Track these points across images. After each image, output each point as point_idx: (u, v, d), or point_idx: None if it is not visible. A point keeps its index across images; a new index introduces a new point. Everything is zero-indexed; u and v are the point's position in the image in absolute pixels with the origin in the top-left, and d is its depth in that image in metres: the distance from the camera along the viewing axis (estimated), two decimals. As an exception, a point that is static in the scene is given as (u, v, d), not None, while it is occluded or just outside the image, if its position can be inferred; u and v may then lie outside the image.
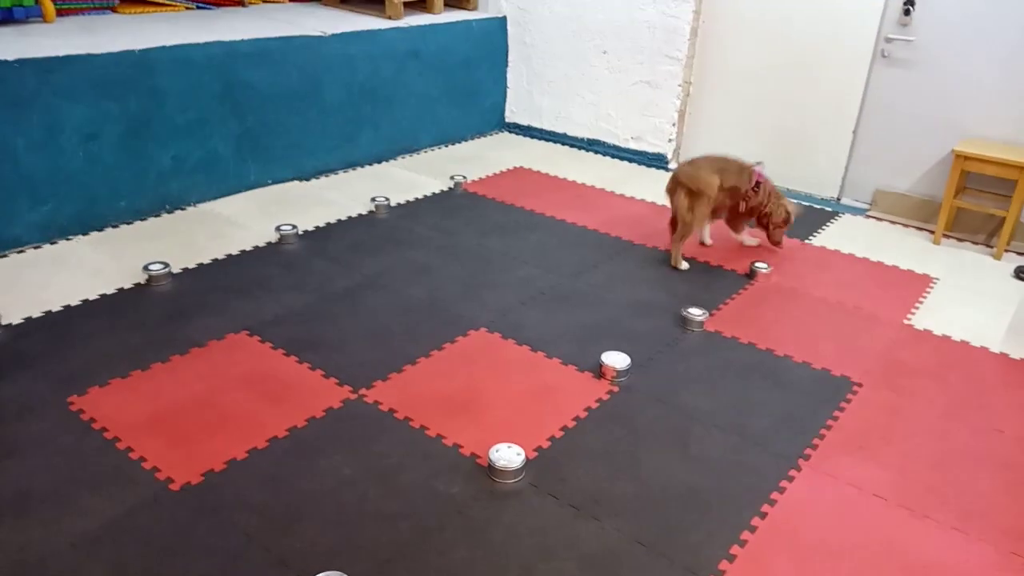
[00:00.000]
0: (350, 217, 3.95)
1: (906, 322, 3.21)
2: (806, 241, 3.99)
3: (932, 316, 3.26)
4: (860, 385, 2.74)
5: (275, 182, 4.31)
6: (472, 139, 5.47)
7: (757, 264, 3.53)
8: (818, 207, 4.48)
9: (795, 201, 3.83)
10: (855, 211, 4.46)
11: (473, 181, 4.57)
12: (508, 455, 2.22)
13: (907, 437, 2.48)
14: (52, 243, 3.45)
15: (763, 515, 2.11)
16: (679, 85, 4.84)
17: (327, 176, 4.53)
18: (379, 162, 4.83)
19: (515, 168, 4.88)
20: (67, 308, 2.94)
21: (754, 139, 4.79)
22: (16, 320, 2.84)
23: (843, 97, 4.40)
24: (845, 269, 3.68)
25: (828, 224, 4.23)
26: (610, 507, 2.12)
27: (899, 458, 2.38)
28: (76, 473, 2.11)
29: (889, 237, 4.11)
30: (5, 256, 3.30)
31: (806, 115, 4.56)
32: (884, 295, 3.43)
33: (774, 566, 1.95)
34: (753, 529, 2.06)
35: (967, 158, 3.82)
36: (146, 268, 3.18)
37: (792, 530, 2.07)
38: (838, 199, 4.60)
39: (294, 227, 3.67)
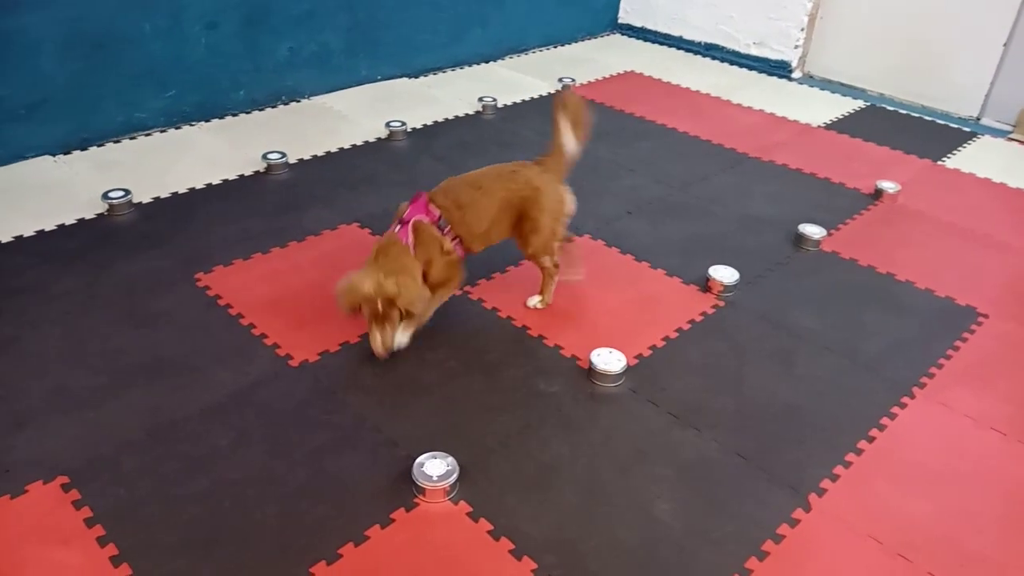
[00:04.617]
0: (457, 116, 3.93)
1: (1044, 254, 2.98)
2: (939, 162, 3.71)
3: (1074, 250, 3.02)
4: (986, 316, 2.59)
5: (384, 78, 4.31)
6: (582, 40, 5.28)
7: (883, 183, 3.32)
8: (955, 126, 4.15)
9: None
10: (996, 132, 4.10)
11: (582, 85, 4.44)
12: (609, 359, 2.23)
13: (1034, 374, 2.34)
14: (176, 128, 3.59)
15: (871, 439, 2.06)
16: (811, -14, 4.50)
17: (434, 74, 4.49)
18: (486, 62, 4.74)
19: (626, 72, 4.70)
20: (192, 191, 3.09)
21: (888, 48, 4.43)
22: (146, 199, 3.00)
23: (997, 5, 3.98)
24: (979, 194, 3.42)
25: (965, 145, 3.92)
26: (709, 418, 2.11)
27: (1023, 392, 2.26)
28: (203, 344, 2.26)
29: (1032, 162, 3.78)
30: (133, 138, 3.46)
31: (951, 23, 4.16)
32: (1019, 223, 3.18)
33: (878, 488, 1.91)
34: (859, 452, 2.01)
35: None
36: (265, 157, 3.27)
37: (901, 456, 2.01)
38: (978, 119, 4.23)
39: (403, 124, 3.69)
